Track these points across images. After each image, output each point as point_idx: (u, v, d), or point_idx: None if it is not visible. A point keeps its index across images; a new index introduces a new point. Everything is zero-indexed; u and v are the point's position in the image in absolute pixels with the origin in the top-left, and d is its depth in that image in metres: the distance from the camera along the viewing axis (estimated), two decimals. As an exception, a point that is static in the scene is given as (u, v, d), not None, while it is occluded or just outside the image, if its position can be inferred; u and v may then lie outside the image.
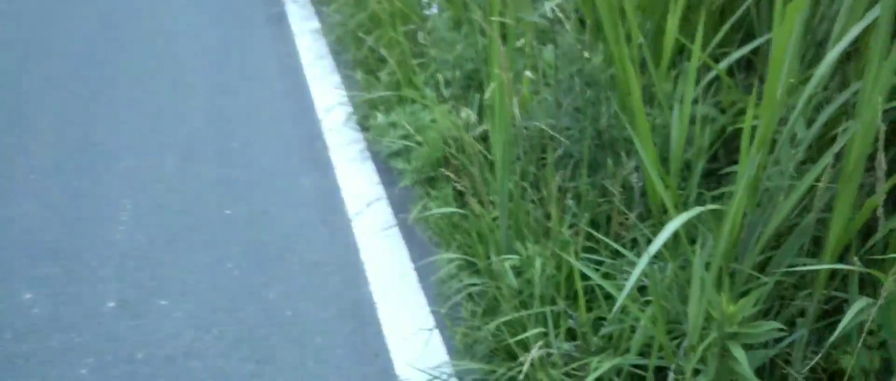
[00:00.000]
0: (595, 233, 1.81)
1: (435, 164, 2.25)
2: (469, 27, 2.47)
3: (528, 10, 1.91)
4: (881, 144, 1.12)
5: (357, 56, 3.07)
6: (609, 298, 1.69)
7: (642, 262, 1.29)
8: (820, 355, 1.41)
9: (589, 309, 1.66)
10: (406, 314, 1.90)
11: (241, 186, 2.43)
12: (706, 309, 1.43)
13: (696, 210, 1.38)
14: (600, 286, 1.71)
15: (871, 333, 1.38)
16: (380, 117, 2.54)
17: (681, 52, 1.64)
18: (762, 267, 1.49)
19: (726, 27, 1.62)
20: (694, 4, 1.57)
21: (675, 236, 1.45)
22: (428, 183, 2.26)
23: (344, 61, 3.22)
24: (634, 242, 1.80)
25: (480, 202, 1.98)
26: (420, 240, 2.14)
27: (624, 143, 1.79)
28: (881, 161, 1.15)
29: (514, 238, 1.88)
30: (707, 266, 1.46)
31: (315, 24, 3.71)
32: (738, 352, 1.41)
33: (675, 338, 1.53)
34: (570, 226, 1.85)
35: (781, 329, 1.43)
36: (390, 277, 2.02)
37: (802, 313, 1.48)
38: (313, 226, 2.23)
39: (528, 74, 1.91)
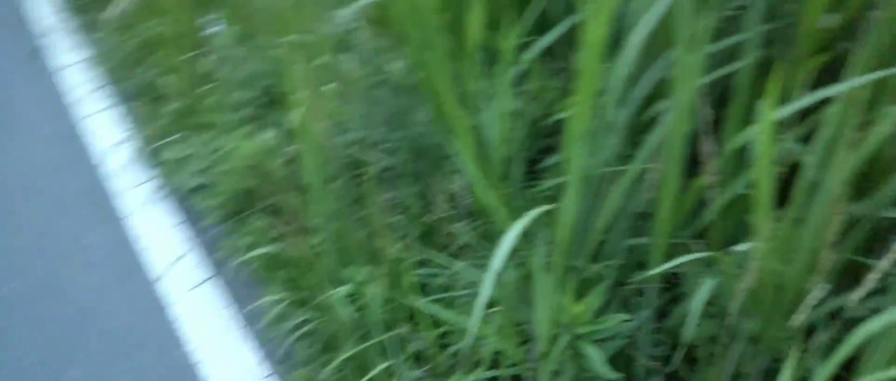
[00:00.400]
0: (426, 246, 1.72)
1: (243, 196, 2.06)
2: (258, 41, 2.29)
3: (321, 20, 1.78)
4: (708, 125, 1.11)
5: (136, 85, 2.78)
6: (452, 307, 1.61)
7: (485, 290, 1.20)
8: (667, 339, 1.40)
9: (435, 325, 1.57)
10: (235, 368, 1.72)
11: (17, 258, 2.10)
12: (553, 311, 1.38)
13: (533, 213, 1.32)
14: (442, 300, 1.62)
15: (710, 303, 1.39)
16: (171, 151, 2.30)
17: (487, 47, 1.58)
18: (599, 257, 1.46)
19: (530, 15, 1.58)
20: (492, -2, 1.51)
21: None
22: (239, 218, 2.06)
23: (123, 93, 2.90)
24: (466, 246, 1.73)
25: (300, 231, 1.83)
26: (240, 283, 1.95)
27: (442, 148, 1.71)
28: (705, 142, 1.14)
29: (343, 264, 1.75)
30: (547, 266, 1.42)
31: (84, 53, 3.34)
32: (590, 351, 1.37)
33: (526, 342, 1.47)
34: (401, 240, 1.75)
35: (627, 320, 1.41)
36: (211, 331, 1.82)
37: (641, 293, 1.47)
38: (111, 289, 1.97)
39: (330, 87, 1.78)
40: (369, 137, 1.82)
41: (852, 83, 1.01)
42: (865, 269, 1.14)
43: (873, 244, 1.17)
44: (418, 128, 1.74)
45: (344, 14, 1.66)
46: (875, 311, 1.08)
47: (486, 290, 1.21)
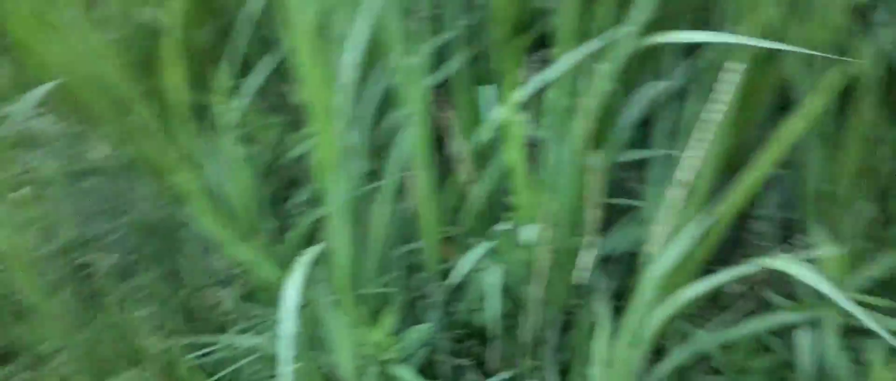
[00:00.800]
0: (191, 328, 1.58)
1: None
2: None
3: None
4: (448, 123, 1.13)
5: None
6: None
7: (285, 354, 1.13)
8: (464, 330, 1.43)
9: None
10: None
11: None
12: (353, 347, 1.35)
13: (305, 259, 1.26)
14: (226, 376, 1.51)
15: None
16: None
17: (195, 104, 1.48)
18: (380, 274, 1.44)
19: (232, 61, 1.50)
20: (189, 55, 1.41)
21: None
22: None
23: None
24: (234, 312, 1.62)
25: (36, 363, 1.59)
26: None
27: (176, 219, 1.57)
28: (450, 141, 1.16)
29: (102, 379, 1.55)
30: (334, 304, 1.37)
31: None
32: (400, 372, 1.36)
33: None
34: (159, 330, 1.59)
35: (424, 327, 1.42)
36: None
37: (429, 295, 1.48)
38: None
39: (23, 193, 1.55)
40: (88, 232, 1.62)
41: (562, 63, 1.09)
42: (616, 210, 1.25)
43: (615, 185, 1.28)
44: (143, 207, 1.58)
45: (19, 108, 1.44)
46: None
47: (285, 354, 1.14)
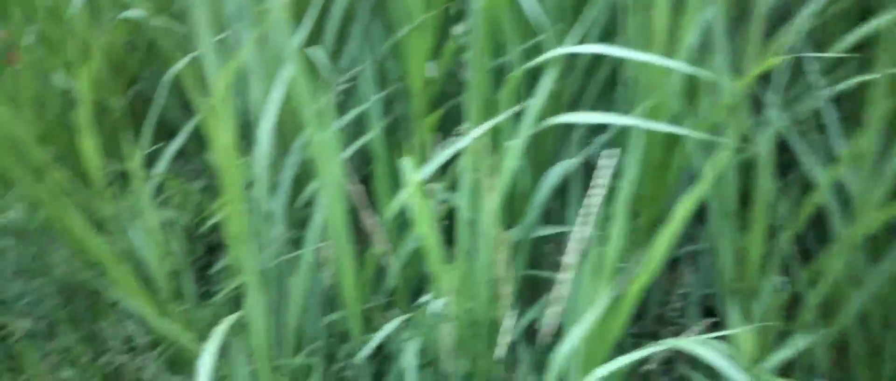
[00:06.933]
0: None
1: None
2: None
3: None
4: (363, 196, 1.11)
5: None
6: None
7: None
8: None
9: None
10: None
11: None
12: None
13: (219, 330, 1.23)
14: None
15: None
16: None
17: (112, 168, 1.45)
18: (301, 345, 1.41)
19: (148, 127, 1.47)
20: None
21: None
22: None
23: None
24: None
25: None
26: None
27: (94, 284, 1.53)
28: (365, 214, 1.14)
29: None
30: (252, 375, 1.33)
31: None
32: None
33: None
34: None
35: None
36: None
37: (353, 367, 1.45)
38: None
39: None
40: (2, 294, 1.57)
41: (471, 135, 1.08)
42: (542, 282, 1.24)
43: (538, 259, 1.28)
44: (60, 270, 1.53)
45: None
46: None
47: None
